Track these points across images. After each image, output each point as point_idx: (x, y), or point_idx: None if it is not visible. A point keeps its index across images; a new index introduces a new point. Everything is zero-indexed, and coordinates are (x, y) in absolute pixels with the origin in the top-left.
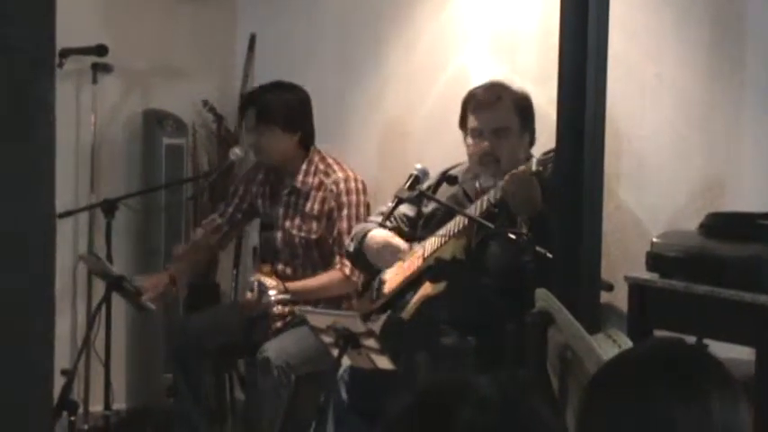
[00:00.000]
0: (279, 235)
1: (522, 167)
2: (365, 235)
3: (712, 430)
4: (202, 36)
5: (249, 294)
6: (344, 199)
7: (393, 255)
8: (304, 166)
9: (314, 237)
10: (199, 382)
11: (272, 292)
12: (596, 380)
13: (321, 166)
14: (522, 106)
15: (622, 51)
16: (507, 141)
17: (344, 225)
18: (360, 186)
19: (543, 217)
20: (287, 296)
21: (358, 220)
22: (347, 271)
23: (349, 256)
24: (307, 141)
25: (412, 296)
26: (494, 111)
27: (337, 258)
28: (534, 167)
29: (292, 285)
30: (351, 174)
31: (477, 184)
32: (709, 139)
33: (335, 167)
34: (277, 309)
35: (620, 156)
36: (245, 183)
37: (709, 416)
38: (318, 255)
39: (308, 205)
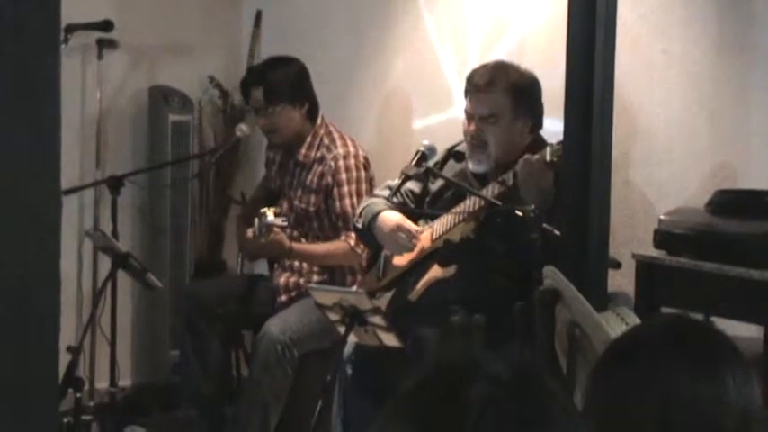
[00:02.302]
0: (284, 204)
1: (536, 156)
2: (376, 215)
3: (729, 406)
4: (208, 12)
5: (250, 232)
6: (343, 176)
7: (404, 241)
8: (309, 139)
9: (312, 209)
10: (207, 349)
11: (270, 216)
12: (606, 356)
13: (326, 141)
14: (519, 90)
15: (630, 26)
16: (496, 127)
17: (347, 202)
18: (360, 162)
19: (554, 207)
20: (285, 222)
21: (359, 196)
22: (352, 242)
23: (356, 231)
24: (313, 111)
25: (419, 276)
26: (484, 96)
27: (342, 233)
28: (549, 157)
29: (297, 246)
30: (352, 150)
31: (469, 165)
32: (717, 115)
33: (338, 143)
34: (275, 232)
35: (628, 132)
36: (268, 166)
37: (725, 391)
38: (318, 227)
39: (309, 178)
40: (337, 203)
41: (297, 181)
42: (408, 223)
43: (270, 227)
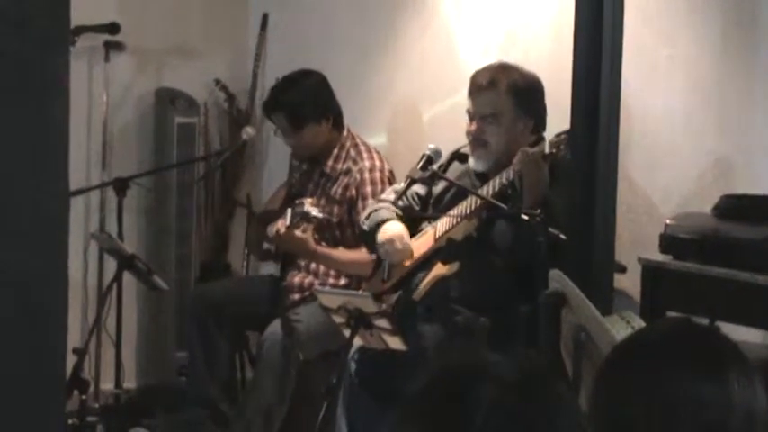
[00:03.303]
0: None
1: (535, 149)
2: (380, 223)
3: (733, 409)
4: (215, 15)
5: (280, 223)
6: (368, 189)
7: (399, 252)
8: (335, 151)
9: (335, 220)
10: (215, 351)
11: (306, 206)
12: (611, 360)
13: (352, 152)
14: (520, 90)
15: (635, 32)
16: (497, 127)
17: None
18: (385, 176)
19: (549, 200)
20: (321, 213)
21: None
22: (374, 255)
23: (361, 233)
24: (338, 121)
25: (423, 277)
26: (485, 96)
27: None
28: (547, 150)
29: (322, 249)
30: (378, 163)
31: (470, 162)
32: (721, 120)
33: (365, 155)
34: (304, 228)
35: (633, 136)
36: (291, 171)
37: (730, 395)
38: (340, 236)
39: (334, 189)
40: (360, 214)
41: (321, 191)
42: (405, 238)
43: (306, 215)
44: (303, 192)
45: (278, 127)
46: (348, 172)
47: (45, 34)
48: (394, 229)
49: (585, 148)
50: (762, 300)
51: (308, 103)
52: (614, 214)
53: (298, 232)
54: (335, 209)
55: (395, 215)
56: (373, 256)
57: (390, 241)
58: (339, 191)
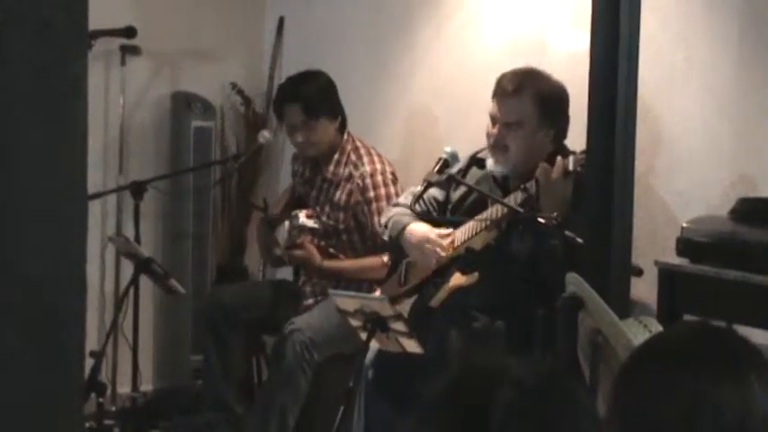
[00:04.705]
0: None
1: (558, 164)
2: (404, 227)
3: (753, 412)
4: (231, 18)
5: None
6: (372, 194)
7: (432, 253)
8: (336, 156)
9: (341, 226)
10: (230, 355)
11: (301, 218)
12: (629, 364)
13: (353, 157)
14: (546, 100)
15: (652, 33)
16: (519, 134)
17: (377, 220)
18: (388, 179)
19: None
20: (317, 224)
21: None
22: (385, 259)
23: (385, 243)
24: (343, 125)
25: (441, 284)
26: (510, 102)
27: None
28: (572, 166)
29: (329, 263)
30: (379, 166)
31: (488, 164)
32: (738, 123)
33: (365, 159)
34: (305, 236)
35: (650, 140)
36: (293, 176)
37: (750, 397)
38: (348, 241)
39: (337, 195)
40: (369, 222)
41: (324, 197)
42: (435, 235)
43: (302, 228)
44: (306, 198)
45: (288, 121)
46: (350, 177)
47: (63, 39)
48: (422, 229)
49: (602, 151)
50: None
51: (324, 97)
52: (631, 218)
53: (299, 252)
54: (341, 215)
55: (415, 217)
56: (385, 259)
57: (426, 239)
58: (343, 197)
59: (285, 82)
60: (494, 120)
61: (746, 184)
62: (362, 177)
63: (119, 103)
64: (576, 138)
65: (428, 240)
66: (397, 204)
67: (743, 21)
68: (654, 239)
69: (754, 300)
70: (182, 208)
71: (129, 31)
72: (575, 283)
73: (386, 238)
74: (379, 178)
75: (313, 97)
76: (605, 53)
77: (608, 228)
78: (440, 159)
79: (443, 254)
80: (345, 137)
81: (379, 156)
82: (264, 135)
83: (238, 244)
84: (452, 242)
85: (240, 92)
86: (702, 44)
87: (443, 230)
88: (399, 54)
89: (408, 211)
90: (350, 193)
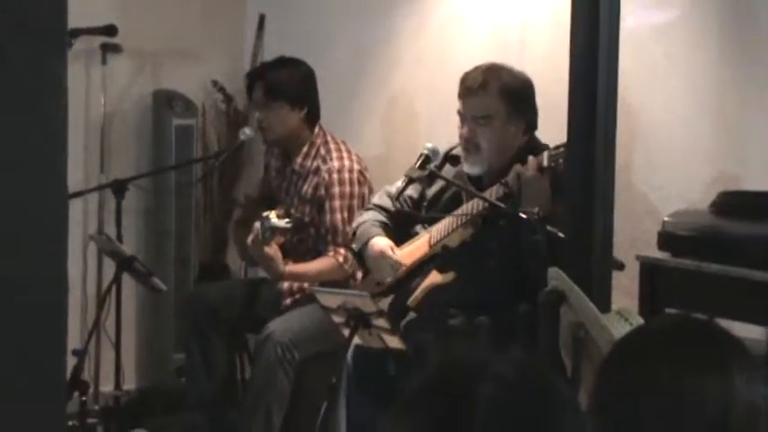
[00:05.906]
0: (282, 210)
1: (531, 162)
2: (367, 241)
3: (737, 405)
4: (212, 16)
5: (251, 238)
6: (336, 190)
7: (387, 270)
8: (305, 149)
9: (307, 219)
10: (212, 353)
11: (273, 219)
12: (611, 357)
13: (322, 151)
14: (512, 92)
15: (631, 29)
16: (488, 129)
17: (338, 217)
18: (355, 177)
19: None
20: (289, 223)
21: (350, 212)
22: (340, 259)
23: (352, 253)
24: (312, 118)
25: (418, 282)
26: (475, 98)
27: (331, 248)
28: (546, 162)
29: (290, 269)
30: (347, 163)
31: (464, 167)
32: (718, 118)
33: (334, 154)
34: (276, 240)
35: (630, 135)
36: (266, 170)
37: (733, 388)
38: (315, 235)
39: (304, 188)
40: (327, 217)
41: (293, 189)
42: (390, 252)
43: (274, 229)
44: (278, 190)
45: (254, 99)
46: (317, 171)
47: (42, 37)
48: (381, 243)
49: (583, 145)
50: (759, 296)
51: (288, 83)
52: (612, 212)
53: (268, 249)
54: (307, 208)
55: (381, 230)
56: (341, 259)
57: (381, 255)
58: (309, 191)
59: (263, 62)
60: (463, 119)
61: (727, 177)
62: (329, 172)
63: (100, 102)
64: (557, 134)
65: (383, 256)
66: (370, 208)
67: (723, 15)
68: (635, 234)
69: (736, 293)
70: (164, 206)
71: (110, 30)
72: (556, 277)
73: (354, 248)
74: (346, 175)
75: (277, 81)
76: (585, 49)
77: (589, 222)
78: (421, 155)
79: (394, 273)
80: (317, 130)
81: (350, 152)
82: (246, 132)
83: (220, 241)
84: (429, 240)
85: (221, 89)
86: (682, 39)
87: (406, 246)
88: (380, 49)
89: (377, 221)
90: (316, 187)
